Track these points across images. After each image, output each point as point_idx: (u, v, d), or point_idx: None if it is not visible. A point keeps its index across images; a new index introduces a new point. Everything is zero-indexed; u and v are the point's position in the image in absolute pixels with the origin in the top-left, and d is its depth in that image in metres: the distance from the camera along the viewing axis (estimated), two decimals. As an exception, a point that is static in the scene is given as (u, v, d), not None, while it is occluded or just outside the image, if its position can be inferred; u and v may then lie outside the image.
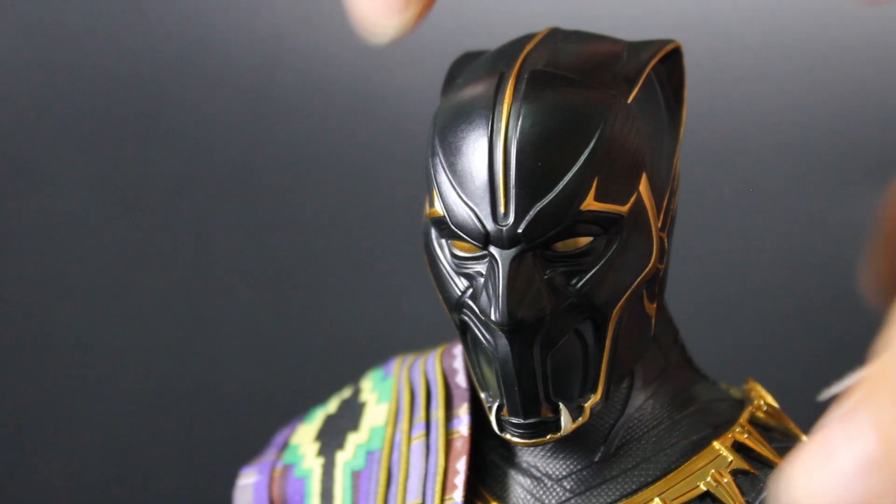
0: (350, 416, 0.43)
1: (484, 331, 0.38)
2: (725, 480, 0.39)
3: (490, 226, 0.37)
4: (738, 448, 0.40)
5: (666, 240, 0.40)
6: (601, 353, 0.38)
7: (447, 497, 0.39)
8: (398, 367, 0.44)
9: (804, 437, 0.42)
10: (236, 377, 0.79)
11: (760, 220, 0.68)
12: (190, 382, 0.79)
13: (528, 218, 0.37)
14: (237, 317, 0.80)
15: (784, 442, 0.41)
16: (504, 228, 0.37)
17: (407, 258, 0.79)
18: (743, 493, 0.39)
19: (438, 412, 0.41)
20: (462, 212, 0.38)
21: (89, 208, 0.80)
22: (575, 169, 0.37)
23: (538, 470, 0.40)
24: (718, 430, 0.40)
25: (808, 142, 0.68)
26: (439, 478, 0.40)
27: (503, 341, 0.37)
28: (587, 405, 0.38)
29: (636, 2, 0.72)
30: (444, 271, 0.39)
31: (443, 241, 0.39)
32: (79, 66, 0.79)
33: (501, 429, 0.38)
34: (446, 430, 0.41)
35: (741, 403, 0.42)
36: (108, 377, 0.79)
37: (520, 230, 0.37)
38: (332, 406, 0.45)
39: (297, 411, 0.47)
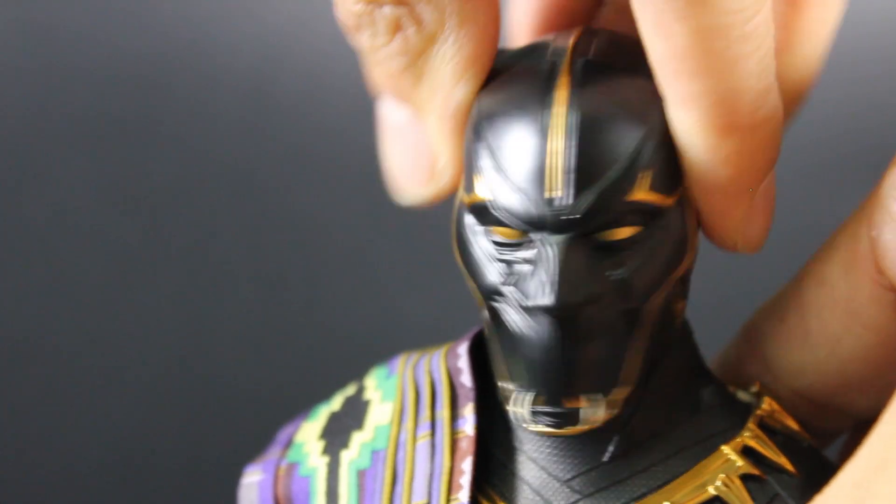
0: (354, 414, 0.43)
1: (523, 318, 0.37)
2: (735, 485, 0.39)
3: (541, 210, 0.37)
4: (747, 452, 0.40)
5: (697, 239, 0.40)
6: (635, 345, 0.38)
7: (453, 497, 0.39)
8: (402, 366, 0.44)
9: (809, 439, 0.42)
10: (238, 376, 0.79)
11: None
12: (191, 381, 0.79)
13: (580, 203, 0.36)
14: (238, 315, 0.79)
15: (791, 445, 0.41)
16: (555, 213, 0.37)
17: (407, 258, 0.79)
18: (752, 498, 0.39)
19: (443, 412, 0.41)
20: (510, 196, 0.37)
21: (89, 208, 0.79)
22: (629, 157, 0.37)
23: (546, 470, 0.40)
24: (727, 434, 0.40)
25: (808, 142, 0.68)
26: (445, 478, 0.39)
27: (546, 328, 0.37)
28: (619, 397, 0.38)
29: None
30: (480, 259, 0.38)
31: (479, 228, 0.39)
32: (78, 66, 0.79)
33: (533, 422, 0.38)
34: (452, 429, 0.40)
35: (748, 407, 0.42)
36: (108, 377, 0.79)
37: (572, 215, 0.36)
38: (336, 404, 0.45)
39: (299, 410, 0.47)
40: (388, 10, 0.39)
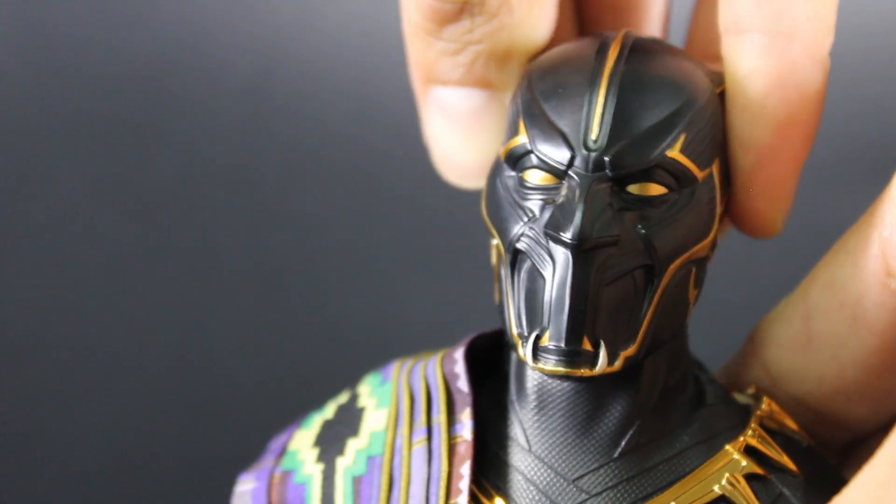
0: (348, 421, 0.43)
1: (544, 254, 0.38)
2: (741, 484, 0.39)
3: (577, 148, 0.39)
4: (750, 452, 0.40)
5: (719, 233, 0.41)
6: (648, 305, 0.39)
7: (451, 502, 0.39)
8: (397, 372, 0.43)
9: (809, 440, 0.42)
10: (238, 376, 0.79)
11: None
12: (191, 380, 0.79)
13: (616, 146, 0.38)
14: (238, 315, 0.79)
15: (791, 445, 0.41)
16: (591, 153, 0.38)
17: (407, 258, 0.79)
18: (757, 497, 0.39)
19: (440, 417, 0.41)
20: (550, 135, 0.39)
21: (89, 208, 0.79)
22: (668, 116, 0.39)
23: (553, 469, 0.40)
24: (730, 434, 0.41)
25: (814, 144, 0.68)
26: (443, 483, 0.39)
27: (563, 262, 0.38)
28: (623, 353, 0.39)
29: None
30: (508, 206, 0.40)
31: (512, 175, 0.40)
32: (78, 67, 0.79)
33: (536, 358, 0.39)
34: (449, 434, 0.40)
35: (748, 407, 0.42)
36: (108, 377, 0.79)
37: (607, 157, 0.38)
38: (329, 412, 0.45)
39: (299, 410, 0.47)
40: None
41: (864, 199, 0.42)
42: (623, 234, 0.38)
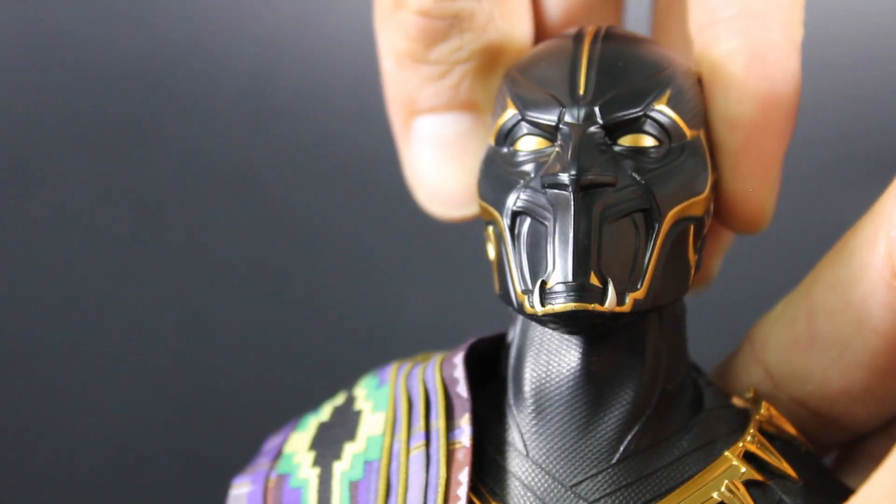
0: (345, 424, 0.43)
1: (544, 204, 0.38)
2: (740, 491, 0.39)
3: (566, 103, 0.39)
4: (749, 458, 0.40)
5: (711, 203, 0.41)
6: (652, 251, 0.39)
7: None
8: (394, 375, 0.43)
9: (808, 444, 0.42)
10: (238, 375, 0.79)
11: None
12: (191, 380, 0.79)
13: (605, 97, 0.39)
14: (238, 315, 0.79)
15: (789, 450, 0.41)
16: (579, 104, 0.39)
17: (408, 258, 0.79)
18: None
19: (439, 422, 0.40)
20: (538, 98, 0.40)
21: (89, 208, 0.79)
22: (651, 75, 0.40)
23: (551, 475, 0.40)
24: (729, 439, 0.40)
25: (810, 143, 0.68)
26: (441, 489, 0.39)
27: (564, 204, 0.38)
28: (631, 295, 0.38)
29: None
30: (501, 176, 0.40)
31: (503, 151, 0.41)
32: (78, 66, 0.79)
33: (544, 301, 0.38)
34: (447, 440, 0.40)
35: (747, 412, 0.42)
36: (108, 376, 0.79)
37: (596, 106, 0.39)
38: (325, 414, 0.44)
39: (299, 409, 0.46)
40: (474, 5, 0.42)
41: (864, 199, 0.42)
42: (620, 178, 0.38)
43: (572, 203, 0.38)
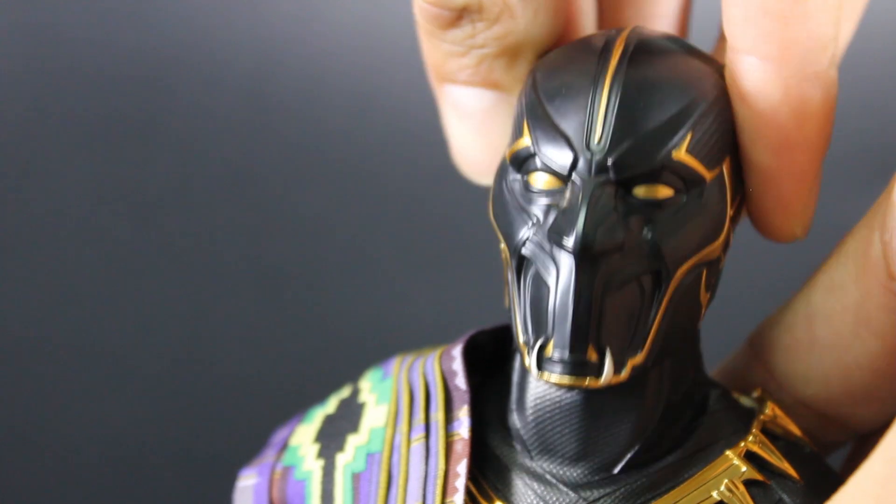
0: (349, 416, 0.43)
1: (548, 260, 0.38)
2: (739, 490, 0.39)
3: (580, 150, 0.38)
4: (750, 457, 0.40)
5: (731, 233, 0.40)
6: (656, 312, 0.38)
7: (448, 500, 0.39)
8: (397, 368, 0.43)
9: (812, 445, 0.42)
10: (238, 375, 0.79)
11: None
12: (191, 379, 0.79)
13: (620, 148, 0.37)
14: (238, 315, 0.79)
15: (793, 450, 0.41)
16: (594, 154, 0.37)
17: (407, 257, 0.79)
18: (756, 503, 0.39)
19: (438, 414, 0.41)
20: (553, 138, 0.38)
21: (89, 208, 0.79)
22: (673, 116, 0.38)
23: (553, 476, 0.40)
24: (731, 439, 0.40)
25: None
26: (440, 481, 0.39)
27: (567, 269, 0.37)
28: (631, 361, 0.38)
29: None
30: (514, 209, 0.39)
31: (517, 178, 0.39)
32: (78, 66, 0.79)
33: (540, 367, 0.38)
34: (446, 432, 0.40)
35: (752, 412, 0.42)
36: (108, 376, 0.79)
37: (610, 159, 0.37)
38: (330, 406, 0.44)
39: (299, 408, 0.46)
40: None
41: (864, 200, 0.42)
42: (628, 240, 0.37)
43: (575, 271, 0.37)
